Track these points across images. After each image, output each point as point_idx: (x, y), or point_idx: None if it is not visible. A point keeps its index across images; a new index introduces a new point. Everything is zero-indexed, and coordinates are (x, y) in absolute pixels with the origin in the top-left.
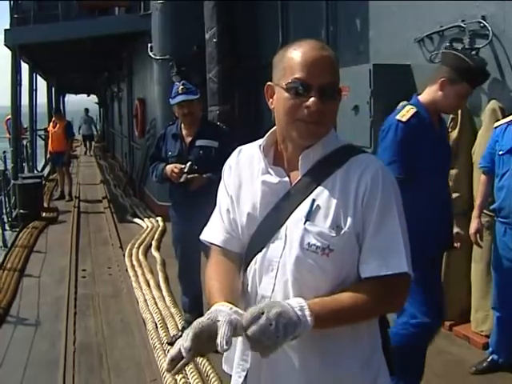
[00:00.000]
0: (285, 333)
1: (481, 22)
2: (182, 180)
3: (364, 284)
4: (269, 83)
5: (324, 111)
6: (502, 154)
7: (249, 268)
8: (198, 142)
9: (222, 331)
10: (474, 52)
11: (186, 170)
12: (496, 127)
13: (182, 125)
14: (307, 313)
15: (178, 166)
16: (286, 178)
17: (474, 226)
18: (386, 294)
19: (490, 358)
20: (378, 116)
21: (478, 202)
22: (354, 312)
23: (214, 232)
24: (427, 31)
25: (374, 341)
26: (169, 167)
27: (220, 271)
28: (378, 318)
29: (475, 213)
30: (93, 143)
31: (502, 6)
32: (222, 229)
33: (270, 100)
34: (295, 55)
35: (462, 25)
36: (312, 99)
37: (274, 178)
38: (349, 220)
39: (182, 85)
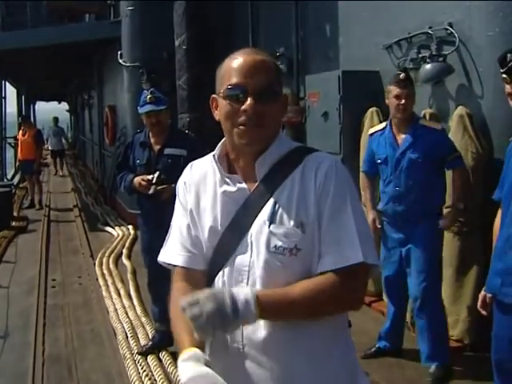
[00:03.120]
0: (213, 322)
1: (448, 29)
2: (151, 192)
3: (321, 275)
4: (213, 96)
5: (263, 113)
6: (380, 163)
7: (216, 281)
8: (167, 151)
9: None
10: (441, 58)
11: (154, 181)
12: (371, 134)
13: (150, 133)
14: (252, 302)
15: (145, 177)
16: (244, 185)
17: (370, 216)
18: (343, 285)
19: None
20: (347, 122)
21: (368, 200)
22: (308, 303)
23: (173, 253)
24: (395, 38)
25: (348, 341)
26: (136, 179)
27: None
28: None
29: (368, 206)
30: (64, 160)
31: (468, 12)
32: (182, 248)
33: (216, 112)
34: (229, 63)
35: (430, 31)
36: (248, 102)
37: (231, 187)
38: (311, 215)
39: (151, 93)
